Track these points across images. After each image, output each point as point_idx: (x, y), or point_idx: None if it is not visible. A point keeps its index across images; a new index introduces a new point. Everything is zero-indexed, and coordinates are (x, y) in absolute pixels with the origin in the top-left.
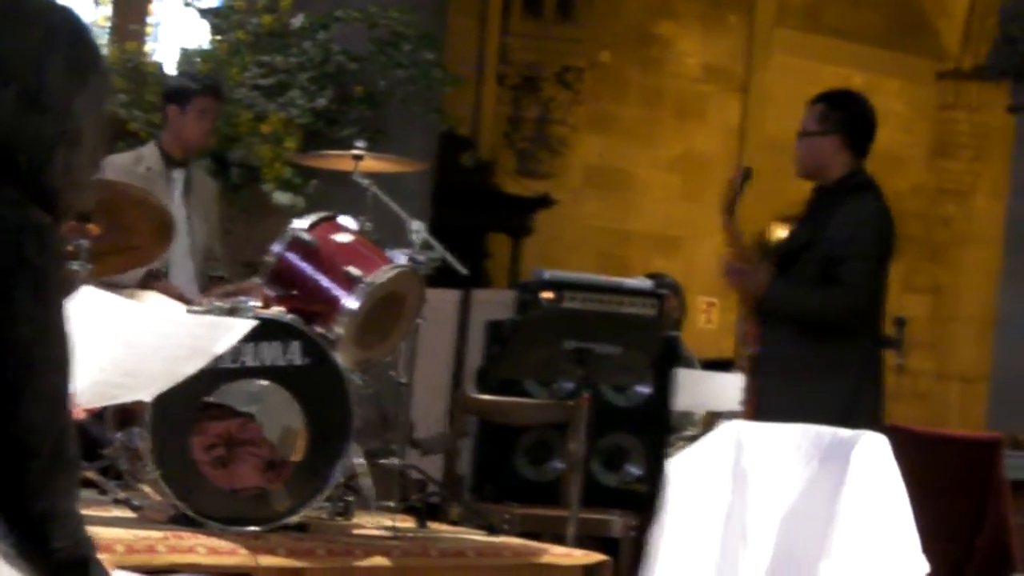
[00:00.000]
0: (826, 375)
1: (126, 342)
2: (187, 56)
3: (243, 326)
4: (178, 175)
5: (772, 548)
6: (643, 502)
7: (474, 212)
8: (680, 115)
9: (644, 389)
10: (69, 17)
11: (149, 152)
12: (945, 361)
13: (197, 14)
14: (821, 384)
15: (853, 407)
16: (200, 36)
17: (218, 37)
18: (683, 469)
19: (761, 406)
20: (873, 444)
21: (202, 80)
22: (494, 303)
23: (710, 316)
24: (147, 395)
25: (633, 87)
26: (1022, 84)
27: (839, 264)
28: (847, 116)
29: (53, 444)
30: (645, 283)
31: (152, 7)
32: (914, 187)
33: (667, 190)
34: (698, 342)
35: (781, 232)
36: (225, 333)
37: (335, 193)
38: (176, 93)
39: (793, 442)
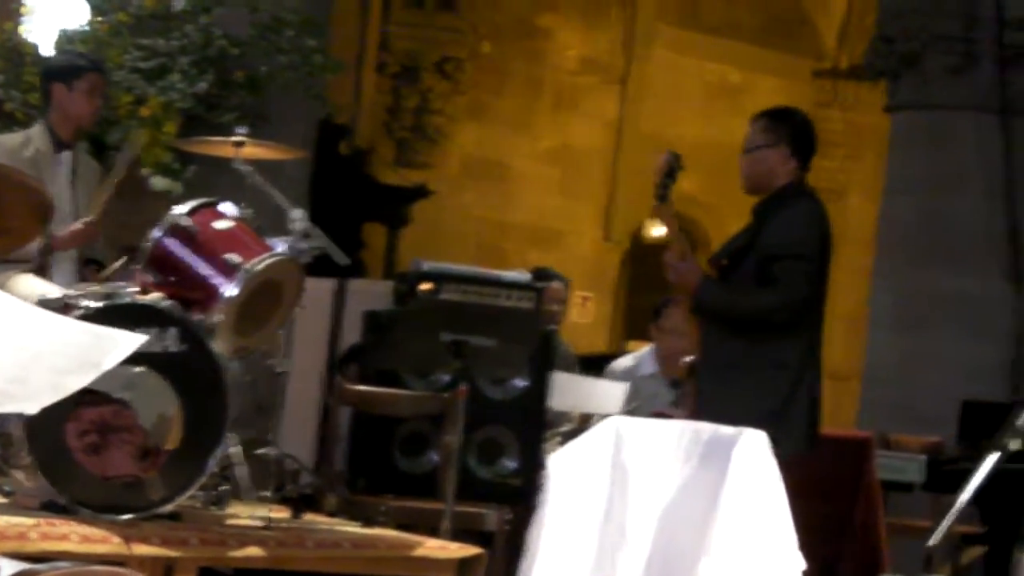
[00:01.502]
0: (765, 375)
1: (14, 346)
2: (65, 37)
3: (133, 341)
4: (65, 157)
5: (651, 544)
6: (518, 496)
7: (351, 201)
8: (558, 107)
9: (521, 383)
10: None
11: (37, 134)
12: None
13: None
14: (761, 384)
15: (792, 403)
16: (78, 17)
17: (99, 18)
18: (563, 465)
19: (701, 411)
20: (753, 442)
21: (88, 56)
22: (369, 293)
23: (585, 310)
24: (32, 408)
25: (513, 78)
26: (899, 84)
27: (774, 263)
28: (791, 128)
29: None
30: (523, 276)
31: None
32: None
33: (545, 182)
34: (573, 336)
35: (658, 229)
36: (114, 347)
37: (214, 179)
38: (62, 71)
39: (673, 439)
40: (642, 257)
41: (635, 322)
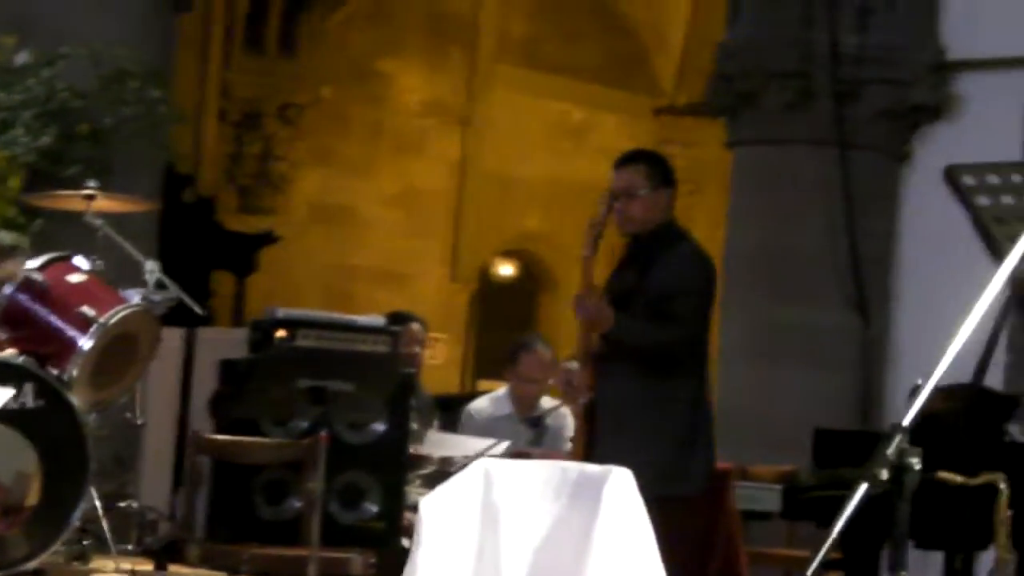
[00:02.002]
0: (662, 412)
1: None
2: None
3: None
4: None
5: None
6: (381, 539)
7: (197, 250)
8: (401, 150)
9: (379, 426)
10: None
11: None
12: None
13: None
14: (658, 421)
15: (692, 440)
16: None
17: None
18: (434, 507)
19: (595, 451)
20: (621, 480)
21: None
22: (221, 341)
23: (436, 351)
24: None
25: (354, 123)
26: (737, 121)
27: (669, 301)
28: (667, 171)
29: None
30: (377, 320)
31: None
32: None
33: (390, 225)
34: (424, 377)
35: (504, 267)
36: None
37: (60, 232)
38: None
39: (541, 478)
40: (490, 296)
41: (485, 361)
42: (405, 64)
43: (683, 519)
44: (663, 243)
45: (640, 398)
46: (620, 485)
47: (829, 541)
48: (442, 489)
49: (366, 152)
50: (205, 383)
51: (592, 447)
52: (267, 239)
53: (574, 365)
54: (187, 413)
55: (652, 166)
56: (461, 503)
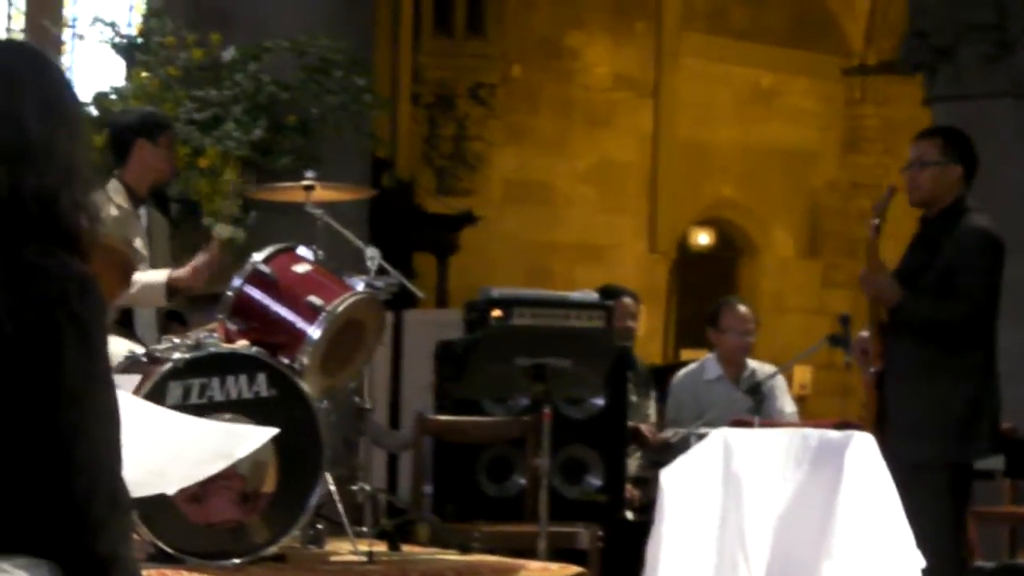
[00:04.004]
0: (952, 383)
1: (152, 445)
2: (103, 95)
3: (264, 434)
4: (143, 212)
5: (769, 551)
6: (605, 513)
7: (398, 233)
8: (592, 124)
9: (598, 401)
10: (26, 55)
11: (115, 190)
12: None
13: (113, 52)
14: (948, 392)
15: (979, 409)
16: (114, 74)
17: (145, 74)
18: (675, 479)
19: (887, 420)
20: (863, 445)
21: (162, 113)
22: (427, 323)
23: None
24: (169, 490)
25: (545, 100)
26: (934, 77)
27: (956, 277)
28: (965, 148)
29: (108, 490)
30: (591, 295)
31: (64, 48)
32: (828, 183)
33: (585, 200)
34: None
35: (701, 235)
36: (246, 440)
37: (275, 224)
38: (146, 127)
39: (782, 446)
40: (688, 266)
41: (687, 331)
42: (591, 38)
43: (967, 486)
44: (953, 221)
45: (928, 369)
46: (863, 450)
47: None
48: (682, 460)
49: (558, 128)
50: (415, 365)
51: (882, 416)
52: (466, 219)
53: (867, 334)
54: (399, 395)
55: (948, 140)
56: (702, 474)
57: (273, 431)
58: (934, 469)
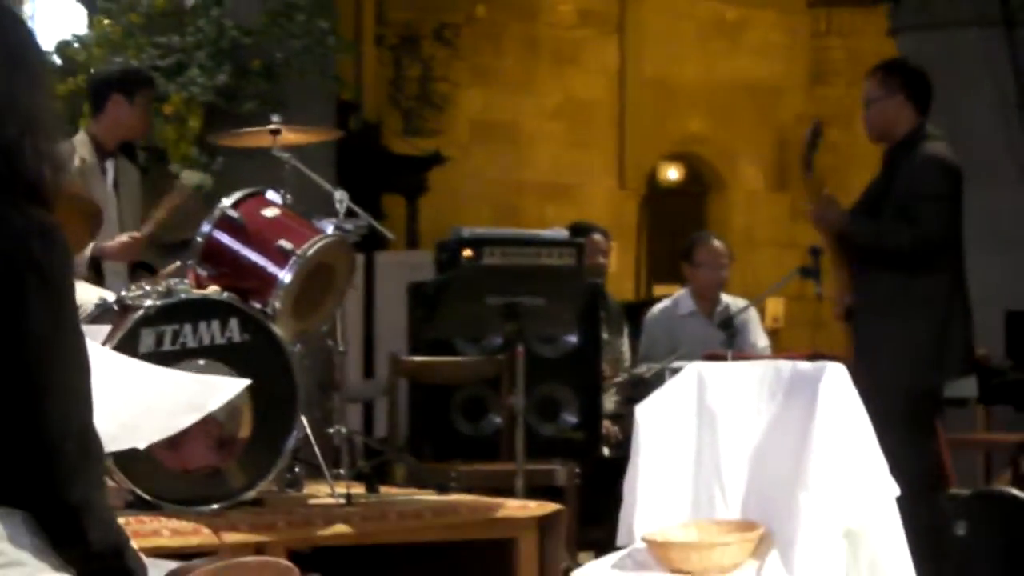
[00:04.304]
0: (915, 309)
1: (124, 397)
2: (66, 43)
3: (237, 385)
4: (109, 165)
5: (746, 483)
6: (582, 450)
7: (365, 175)
8: (558, 62)
9: (572, 338)
10: None
11: (80, 142)
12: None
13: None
14: (911, 319)
15: (943, 338)
16: (73, 21)
17: (107, 21)
18: (650, 413)
19: (859, 352)
20: (836, 374)
21: (143, 70)
22: (398, 264)
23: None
24: (141, 444)
25: (510, 39)
26: (899, 7)
27: (912, 205)
28: (904, 78)
29: (78, 437)
30: (561, 233)
31: None
32: (797, 116)
33: (553, 138)
34: None
35: (670, 171)
36: (219, 391)
37: (242, 169)
38: (125, 82)
39: (755, 378)
40: (658, 201)
41: (658, 267)
42: None
43: (934, 412)
44: (909, 150)
45: (890, 297)
46: (836, 380)
47: None
48: (657, 394)
49: (524, 67)
50: (387, 306)
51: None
52: (434, 160)
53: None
54: (372, 337)
55: (887, 74)
56: (676, 408)
57: (245, 382)
58: (902, 396)
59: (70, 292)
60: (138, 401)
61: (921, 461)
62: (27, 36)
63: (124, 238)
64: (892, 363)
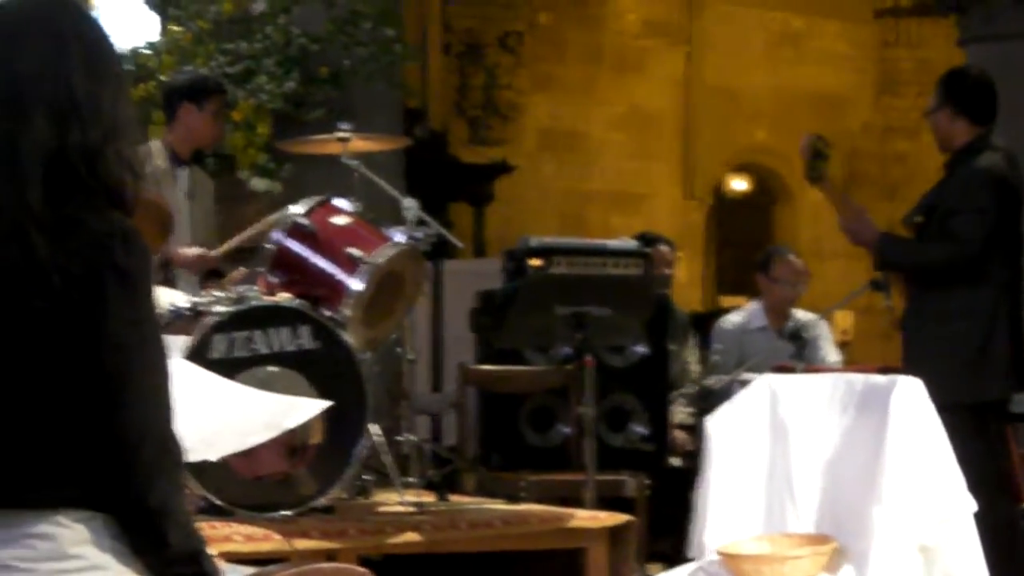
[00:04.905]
0: (958, 323)
1: (205, 412)
2: (137, 50)
3: (316, 406)
4: (182, 173)
5: (818, 497)
6: (650, 460)
7: (433, 183)
8: (622, 71)
9: (639, 349)
10: (71, 12)
11: (156, 150)
12: None
13: (145, 6)
14: (954, 334)
15: (985, 350)
16: (145, 29)
17: (177, 28)
18: (722, 425)
19: (906, 362)
20: (909, 388)
21: (214, 78)
22: (465, 272)
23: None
24: (214, 456)
25: (574, 47)
26: (968, 18)
27: (951, 218)
28: (955, 89)
29: (158, 441)
30: (629, 243)
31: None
32: (863, 126)
33: (619, 148)
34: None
35: (737, 181)
36: (297, 411)
37: (310, 176)
38: (193, 90)
39: (827, 391)
40: (725, 212)
41: (725, 277)
42: None
43: (988, 425)
44: (965, 160)
45: (935, 310)
46: (908, 393)
47: None
48: (728, 407)
49: (588, 75)
50: (455, 315)
51: (906, 359)
52: (501, 169)
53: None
54: (440, 345)
55: (944, 86)
56: (748, 420)
57: (324, 403)
58: (952, 411)
59: (150, 296)
60: (218, 416)
61: (985, 478)
62: (109, 44)
63: (197, 251)
64: (934, 375)
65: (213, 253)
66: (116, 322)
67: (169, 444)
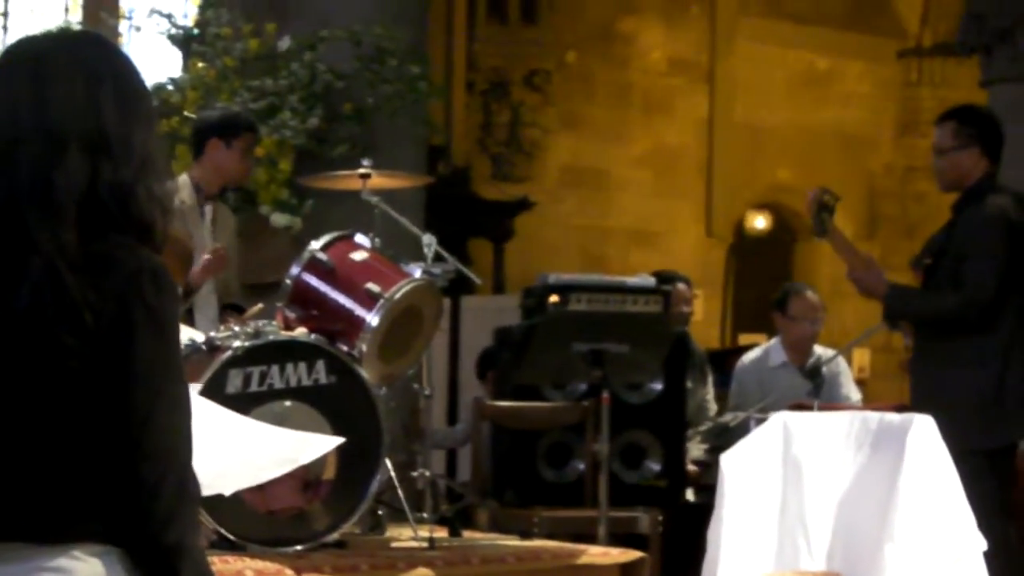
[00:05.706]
0: (969, 369)
1: (219, 447)
2: (161, 86)
3: (329, 442)
4: (207, 209)
5: (831, 534)
6: (666, 497)
7: (454, 220)
8: (648, 110)
9: (656, 386)
10: (103, 47)
11: (183, 185)
12: None
13: (170, 43)
14: (965, 379)
15: (998, 397)
16: (171, 65)
17: (201, 64)
18: (736, 462)
19: (914, 404)
20: (924, 427)
21: (245, 115)
22: (484, 308)
23: (694, 307)
24: (228, 491)
25: (600, 85)
26: (991, 59)
27: (962, 263)
28: (981, 128)
29: (177, 478)
30: (647, 280)
31: (122, 39)
32: (885, 166)
33: (641, 185)
34: None
35: (758, 220)
36: (311, 447)
37: (331, 211)
38: (223, 127)
39: (842, 430)
40: (746, 250)
41: (744, 315)
42: (645, 23)
43: (985, 468)
44: (969, 204)
45: (944, 356)
46: (923, 433)
47: None
48: (742, 444)
49: (614, 114)
50: (473, 351)
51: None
52: (522, 205)
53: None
54: (457, 381)
55: (962, 123)
56: (762, 457)
57: (338, 440)
58: (961, 457)
59: (176, 334)
60: (232, 451)
61: (984, 511)
62: (141, 82)
63: (205, 256)
64: (943, 421)
65: (214, 248)
66: (144, 360)
67: (188, 481)
